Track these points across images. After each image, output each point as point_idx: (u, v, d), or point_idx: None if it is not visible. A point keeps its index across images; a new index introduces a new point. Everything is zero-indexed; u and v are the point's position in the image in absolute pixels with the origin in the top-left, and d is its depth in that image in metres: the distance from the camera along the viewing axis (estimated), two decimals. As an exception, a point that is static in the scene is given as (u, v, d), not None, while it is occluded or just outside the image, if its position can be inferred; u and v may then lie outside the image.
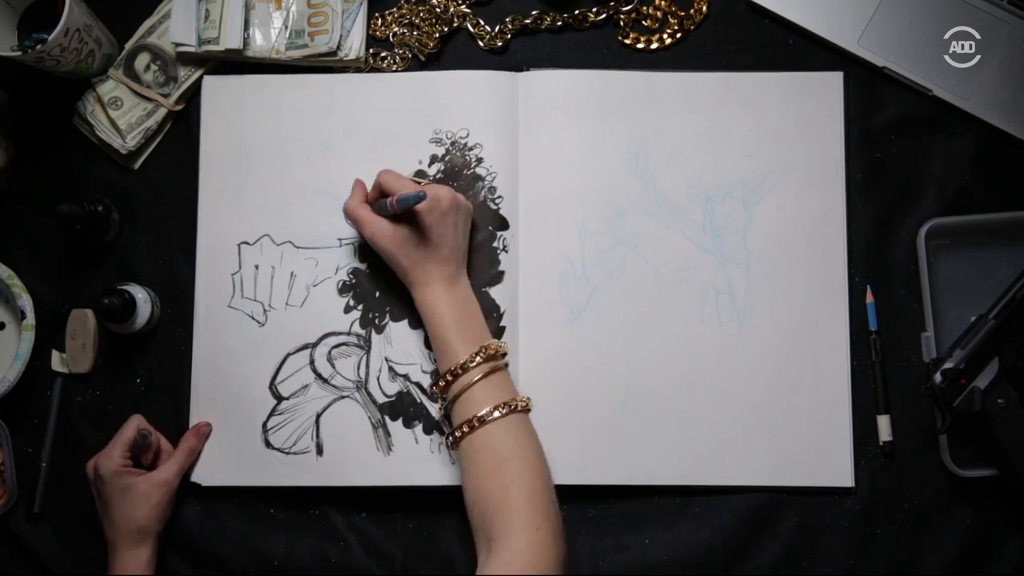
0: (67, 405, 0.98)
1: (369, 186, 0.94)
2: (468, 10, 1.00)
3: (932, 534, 0.93)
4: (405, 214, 0.89)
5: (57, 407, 0.97)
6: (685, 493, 0.94)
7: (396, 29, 1.00)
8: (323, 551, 0.95)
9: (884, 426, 0.94)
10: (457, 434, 0.87)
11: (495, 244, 0.97)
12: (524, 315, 0.96)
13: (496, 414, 0.86)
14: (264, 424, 0.96)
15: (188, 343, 0.97)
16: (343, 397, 0.97)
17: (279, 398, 0.97)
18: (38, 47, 0.89)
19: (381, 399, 0.96)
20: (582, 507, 0.95)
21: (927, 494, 0.94)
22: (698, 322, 0.95)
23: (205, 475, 0.95)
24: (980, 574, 0.93)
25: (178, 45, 0.98)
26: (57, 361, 0.97)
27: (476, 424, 0.85)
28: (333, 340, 0.97)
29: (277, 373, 0.97)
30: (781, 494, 0.94)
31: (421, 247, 0.90)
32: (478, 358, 0.87)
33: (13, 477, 0.96)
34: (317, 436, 0.96)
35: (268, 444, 0.96)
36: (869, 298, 0.95)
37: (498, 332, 0.95)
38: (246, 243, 0.97)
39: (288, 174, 0.98)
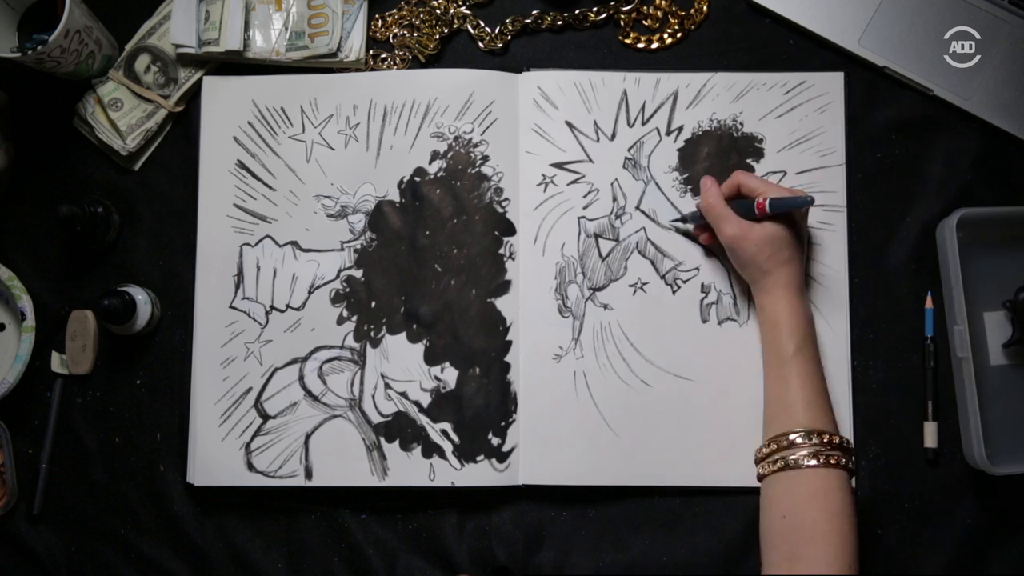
0: (67, 406, 0.98)
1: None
2: (468, 11, 1.00)
3: (932, 534, 0.93)
4: (769, 216, 0.88)
5: (57, 408, 0.97)
6: (685, 494, 0.94)
7: (396, 30, 1.00)
8: (324, 552, 0.95)
9: (930, 433, 0.94)
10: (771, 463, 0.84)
11: (501, 251, 0.96)
12: (524, 315, 0.95)
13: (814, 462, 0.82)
14: (247, 445, 0.95)
15: (188, 344, 0.97)
16: (335, 416, 0.95)
17: (265, 417, 0.95)
18: (38, 48, 0.89)
19: (376, 419, 0.95)
20: (582, 507, 0.95)
21: (927, 495, 0.94)
22: (698, 322, 0.95)
23: (200, 475, 0.95)
24: (980, 574, 0.93)
25: (178, 46, 0.98)
26: (57, 362, 0.97)
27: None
28: (324, 354, 0.95)
29: (263, 390, 0.95)
30: (782, 495, 0.94)
31: (788, 250, 0.88)
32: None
33: (13, 478, 0.96)
34: (306, 459, 0.94)
35: (251, 467, 0.94)
36: (928, 304, 0.95)
37: (504, 347, 0.95)
38: (248, 244, 0.97)
39: (289, 175, 0.98)
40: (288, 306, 0.96)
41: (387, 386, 0.95)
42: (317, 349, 0.96)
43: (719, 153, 0.97)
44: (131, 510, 0.96)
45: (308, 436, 0.95)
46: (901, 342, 0.96)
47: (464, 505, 0.95)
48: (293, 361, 0.96)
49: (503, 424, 0.94)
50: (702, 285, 0.96)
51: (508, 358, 0.94)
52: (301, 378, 0.95)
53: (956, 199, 0.96)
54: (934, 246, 0.96)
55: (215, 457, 0.95)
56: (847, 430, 0.94)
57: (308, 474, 0.94)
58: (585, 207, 0.96)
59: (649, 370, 0.95)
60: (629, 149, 0.97)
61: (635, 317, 0.95)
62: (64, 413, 0.98)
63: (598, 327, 0.95)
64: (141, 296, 0.95)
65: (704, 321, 0.95)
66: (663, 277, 0.96)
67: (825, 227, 0.96)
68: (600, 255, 0.96)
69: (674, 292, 0.96)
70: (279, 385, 0.95)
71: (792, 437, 0.83)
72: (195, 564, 0.95)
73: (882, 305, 0.96)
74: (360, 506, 0.96)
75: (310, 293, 0.97)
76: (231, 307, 0.97)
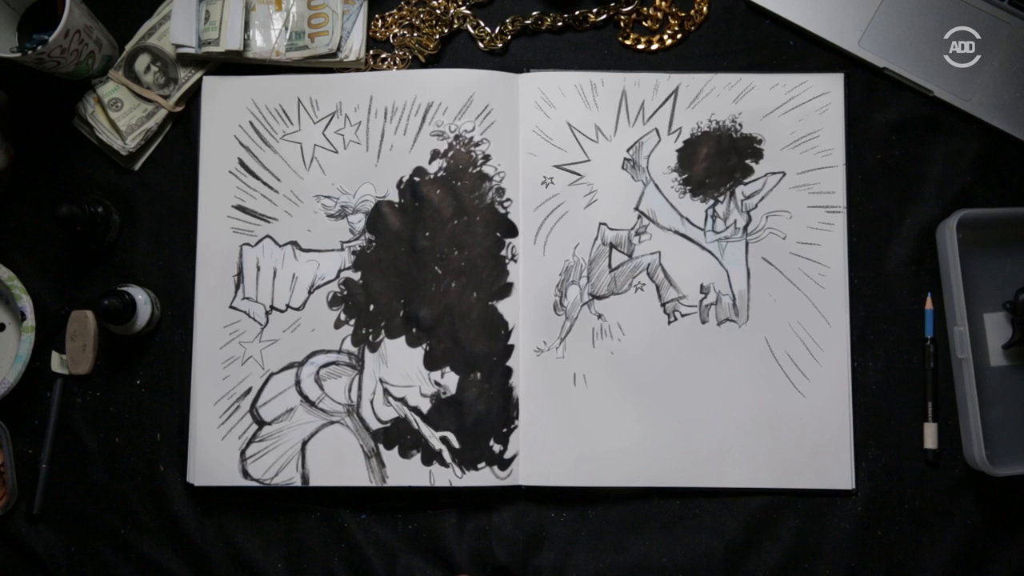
0: (67, 406, 0.98)
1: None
2: (468, 11, 1.00)
3: (932, 535, 0.93)
4: None
5: (57, 408, 0.97)
6: (685, 495, 0.94)
7: (396, 30, 1.00)
8: (324, 552, 0.95)
9: (930, 434, 0.94)
10: None
11: (503, 252, 0.96)
12: (526, 318, 0.95)
13: None
14: (242, 452, 0.94)
15: (188, 344, 0.97)
16: (332, 422, 0.94)
17: (260, 423, 0.95)
18: (38, 48, 0.89)
19: (375, 425, 0.94)
20: (582, 508, 0.95)
21: (927, 495, 0.94)
22: (698, 323, 0.95)
23: (200, 475, 0.95)
24: (980, 575, 0.93)
25: (178, 46, 0.98)
26: (57, 362, 0.97)
27: None
28: (322, 359, 0.95)
29: (259, 395, 0.95)
30: (781, 496, 0.94)
31: None
32: None
33: (13, 478, 0.96)
34: (302, 466, 0.94)
35: (246, 474, 0.94)
36: (928, 305, 0.95)
37: (506, 351, 0.95)
38: (248, 244, 0.97)
39: (289, 175, 0.98)
40: (288, 306, 0.96)
41: (386, 391, 0.94)
42: (314, 353, 0.95)
43: (718, 154, 0.97)
44: (131, 510, 0.96)
45: (305, 443, 0.94)
46: (901, 343, 0.96)
47: (464, 505, 0.95)
48: (289, 366, 0.95)
49: (505, 430, 0.94)
50: (701, 286, 0.96)
51: (510, 362, 0.94)
52: (298, 383, 0.95)
53: (956, 200, 0.96)
54: (934, 247, 0.96)
55: (215, 457, 0.95)
56: (847, 430, 0.94)
57: (305, 481, 0.94)
58: (585, 208, 0.96)
59: (648, 371, 0.95)
60: (628, 150, 0.97)
61: (634, 317, 0.95)
62: (64, 413, 0.98)
63: (598, 327, 0.95)
64: (141, 296, 0.95)
65: (704, 322, 0.95)
66: (663, 305, 0.96)
67: (825, 228, 0.96)
68: (610, 266, 0.96)
69: (669, 323, 0.95)
70: (275, 390, 0.95)
71: None
72: (195, 564, 0.95)
73: (882, 306, 0.96)
74: (360, 506, 0.96)
75: (310, 293, 0.96)
76: (231, 307, 0.97)
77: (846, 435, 0.94)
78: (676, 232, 0.96)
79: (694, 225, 0.96)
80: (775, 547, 0.93)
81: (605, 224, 0.96)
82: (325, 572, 0.95)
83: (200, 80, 0.99)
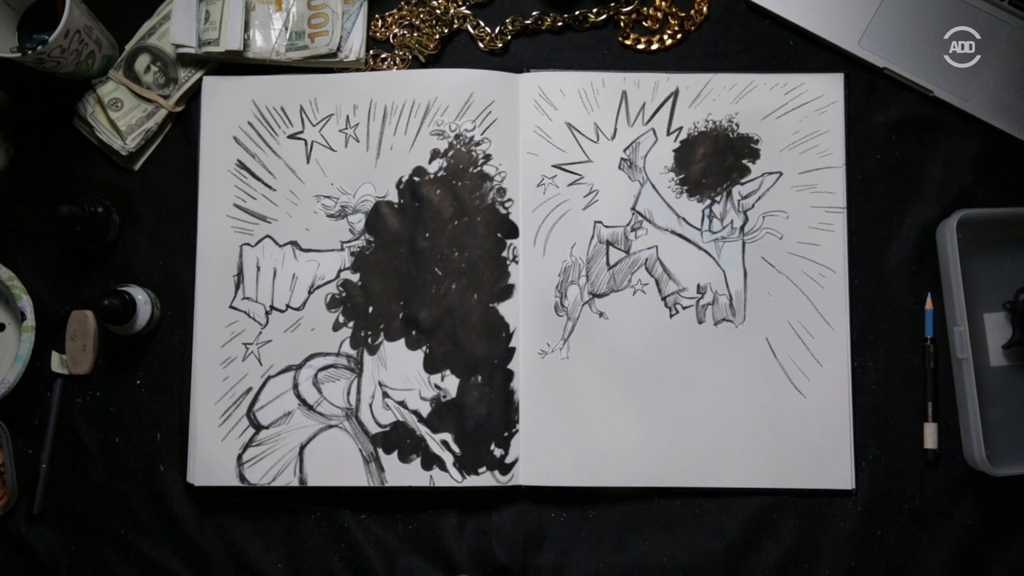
0: (67, 406, 0.98)
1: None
2: (468, 11, 1.00)
3: (932, 535, 0.93)
4: None
5: (57, 408, 0.97)
6: (685, 495, 0.94)
7: (396, 30, 1.00)
8: (324, 552, 0.95)
9: (930, 434, 0.94)
10: None
11: (504, 254, 0.96)
12: (526, 319, 0.95)
13: None
14: (239, 457, 0.94)
15: (188, 344, 0.97)
16: (331, 426, 0.94)
17: (258, 427, 0.94)
18: (38, 48, 0.89)
19: (374, 429, 0.94)
20: (582, 508, 0.95)
21: (927, 495, 0.94)
22: (697, 323, 0.95)
23: (200, 475, 0.95)
24: (980, 575, 0.93)
25: (178, 46, 0.98)
26: (57, 362, 0.97)
27: None
28: (320, 362, 0.95)
29: (256, 399, 0.95)
30: (781, 496, 0.94)
31: None
32: None
33: (13, 478, 0.96)
34: (300, 470, 0.93)
35: (243, 478, 0.94)
36: (928, 305, 0.95)
37: (507, 354, 0.95)
38: (248, 244, 0.97)
39: (289, 175, 0.98)
40: (288, 306, 0.96)
41: (385, 395, 0.94)
42: (312, 356, 0.95)
43: (715, 154, 0.97)
44: (131, 510, 0.96)
45: (303, 447, 0.94)
46: (901, 343, 0.96)
47: (464, 505, 0.95)
48: (287, 369, 0.95)
49: (506, 435, 0.93)
50: (698, 286, 0.96)
51: (511, 365, 0.94)
52: (295, 386, 0.95)
53: (956, 200, 0.96)
54: (934, 247, 0.96)
55: (215, 457, 0.95)
56: (847, 430, 0.94)
57: (303, 485, 0.93)
58: (584, 208, 0.96)
59: (648, 371, 0.95)
60: (625, 150, 0.97)
61: (633, 318, 0.95)
62: (64, 413, 0.98)
63: (597, 327, 0.95)
64: (141, 296, 0.95)
65: (700, 322, 0.95)
66: (664, 299, 0.96)
67: (825, 228, 0.96)
68: (608, 263, 0.96)
69: (671, 316, 0.95)
70: (272, 394, 0.95)
71: None
72: (195, 564, 0.95)
73: (882, 306, 0.96)
74: (360, 506, 0.96)
75: (310, 293, 0.96)
76: (231, 307, 0.97)
77: (846, 435, 0.94)
78: (673, 232, 0.96)
79: (691, 225, 0.96)
80: (775, 547, 0.93)
81: (600, 222, 0.96)
82: (325, 572, 0.95)
83: (200, 80, 0.99)
